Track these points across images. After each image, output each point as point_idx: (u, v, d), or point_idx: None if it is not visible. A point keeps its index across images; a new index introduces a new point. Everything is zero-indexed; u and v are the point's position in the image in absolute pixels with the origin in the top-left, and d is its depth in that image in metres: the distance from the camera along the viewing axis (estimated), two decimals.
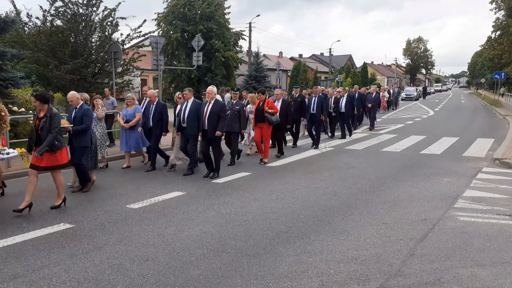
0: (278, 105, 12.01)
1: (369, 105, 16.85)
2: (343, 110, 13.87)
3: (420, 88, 58.40)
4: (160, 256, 4.35)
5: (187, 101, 8.38)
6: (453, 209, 6.03)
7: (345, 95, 14.05)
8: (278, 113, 10.00)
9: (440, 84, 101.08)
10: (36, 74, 15.80)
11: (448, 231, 5.12)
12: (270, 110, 9.49)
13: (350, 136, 14.18)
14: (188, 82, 30.07)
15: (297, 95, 12.77)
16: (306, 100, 12.89)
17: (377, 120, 18.26)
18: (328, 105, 13.31)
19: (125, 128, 9.04)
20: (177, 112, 8.73)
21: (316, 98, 11.84)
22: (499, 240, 4.83)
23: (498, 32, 35.48)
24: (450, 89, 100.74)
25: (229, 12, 31.95)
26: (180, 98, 9.08)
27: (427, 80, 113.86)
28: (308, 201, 6.46)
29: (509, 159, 9.47)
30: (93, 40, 15.73)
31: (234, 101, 9.73)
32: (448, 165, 9.34)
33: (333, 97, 14.17)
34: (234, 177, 8.17)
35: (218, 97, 9.25)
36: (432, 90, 73.25)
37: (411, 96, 44.42)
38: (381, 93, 25.79)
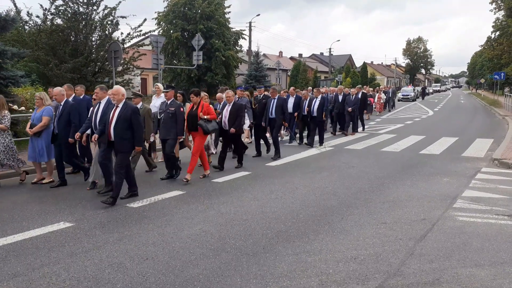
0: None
1: (349, 109, 14.60)
2: (315, 113, 12.04)
3: (418, 88, 57.53)
4: (160, 255, 4.36)
5: (100, 102, 6.94)
6: (452, 209, 6.04)
7: (319, 96, 12.16)
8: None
9: (439, 84, 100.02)
10: (36, 72, 15.79)
11: (447, 231, 5.13)
12: (205, 117, 7.71)
13: (321, 144, 12.20)
14: (188, 81, 30.13)
15: (261, 96, 11.48)
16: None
17: (364, 125, 16.41)
18: (302, 108, 12.26)
19: (30, 135, 7.53)
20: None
21: (275, 101, 10.48)
22: (498, 240, 4.85)
23: (497, 33, 35.55)
24: (450, 89, 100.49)
25: (229, 12, 32.01)
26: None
27: (426, 80, 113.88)
28: (308, 201, 6.47)
29: (508, 159, 9.49)
30: (93, 39, 15.75)
31: (168, 101, 7.81)
32: (447, 165, 9.36)
33: (308, 99, 12.39)
34: (234, 176, 8.18)
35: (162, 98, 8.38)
36: (431, 91, 70.53)
37: (408, 96, 42.44)
38: (376, 94, 24.77)
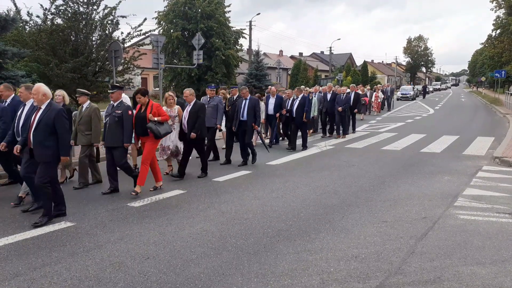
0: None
1: (339, 109, 13.46)
2: (294, 115, 11.21)
3: (418, 86, 56.80)
4: (161, 254, 4.37)
5: (25, 104, 6.18)
6: (453, 208, 6.04)
7: (299, 96, 11.25)
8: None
9: (439, 82, 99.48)
10: (36, 72, 15.77)
11: (448, 229, 5.13)
12: (155, 118, 6.86)
13: (304, 148, 11.29)
14: (189, 81, 30.12)
15: (235, 96, 10.27)
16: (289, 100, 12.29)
17: (354, 127, 15.19)
18: (285, 108, 11.48)
19: None
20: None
21: (247, 102, 9.21)
22: (499, 238, 4.85)
23: (498, 31, 35.46)
24: (450, 87, 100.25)
25: (230, 11, 31.99)
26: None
27: (427, 78, 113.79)
28: (308, 200, 6.47)
29: (509, 158, 9.48)
30: (93, 38, 15.73)
31: (115, 103, 6.81)
32: (448, 164, 9.35)
33: (291, 99, 11.50)
34: (235, 175, 8.18)
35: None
36: (431, 89, 69.11)
37: (407, 95, 41.04)
38: (374, 93, 23.56)
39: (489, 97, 42.70)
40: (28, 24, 15.19)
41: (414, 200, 6.46)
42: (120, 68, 15.57)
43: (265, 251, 4.47)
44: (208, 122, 8.85)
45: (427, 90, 55.10)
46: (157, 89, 25.11)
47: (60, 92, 7.28)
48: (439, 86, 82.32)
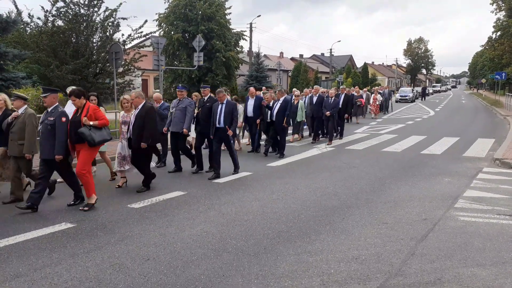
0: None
1: (327, 113, 12.39)
2: (274, 118, 10.46)
3: (418, 88, 55.98)
4: (161, 256, 4.37)
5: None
6: (454, 209, 6.04)
7: (281, 99, 10.60)
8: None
9: (439, 84, 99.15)
10: (37, 74, 15.84)
11: (449, 231, 5.13)
12: (90, 123, 5.97)
13: (281, 157, 10.31)
14: (189, 82, 30.13)
15: (206, 98, 8.90)
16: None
17: (342, 133, 13.97)
18: (265, 112, 10.78)
19: None
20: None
21: (224, 106, 8.21)
22: (499, 240, 4.84)
23: (498, 33, 35.51)
24: (451, 89, 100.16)
25: (230, 13, 32.04)
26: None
27: (427, 80, 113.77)
28: (309, 201, 6.47)
29: (510, 159, 9.47)
30: (94, 40, 15.79)
31: (50, 108, 6.01)
32: (448, 165, 9.35)
33: (271, 103, 10.66)
34: (235, 177, 8.18)
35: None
36: (431, 91, 67.71)
37: (406, 97, 39.88)
38: (372, 95, 22.87)
39: (489, 99, 42.72)
40: (29, 26, 15.27)
41: (415, 201, 6.46)
42: (120, 69, 15.61)
43: (266, 252, 4.47)
44: (175, 126, 8.52)
45: (427, 92, 54.36)
46: (158, 90, 25.15)
47: (1, 96, 6.64)
48: (439, 88, 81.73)
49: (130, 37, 16.40)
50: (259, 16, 51.60)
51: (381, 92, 25.41)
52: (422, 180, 7.94)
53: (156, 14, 31.77)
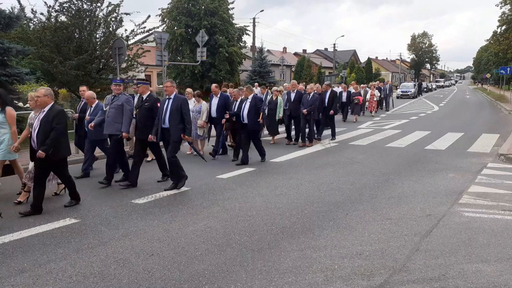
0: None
1: (304, 111, 11.10)
2: (245, 120, 9.10)
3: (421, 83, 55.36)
4: (165, 251, 4.38)
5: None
6: (458, 205, 6.01)
7: (250, 96, 9.12)
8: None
9: (443, 79, 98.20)
10: (41, 70, 15.86)
11: (453, 227, 5.11)
12: None
13: (263, 159, 9.34)
14: (192, 78, 30.14)
15: (145, 96, 7.30)
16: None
17: (321, 132, 12.72)
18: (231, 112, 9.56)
19: None
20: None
21: (171, 102, 6.86)
22: (504, 235, 4.82)
23: (504, 27, 35.26)
24: (455, 84, 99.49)
25: (233, 8, 31.97)
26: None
27: (432, 75, 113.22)
28: (312, 197, 6.46)
29: None
30: (97, 35, 15.77)
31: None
32: (453, 161, 9.31)
33: (238, 101, 9.56)
34: (238, 172, 8.18)
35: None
36: (434, 86, 65.55)
37: (408, 93, 38.02)
38: (369, 91, 20.99)
39: (494, 94, 42.45)
40: (32, 21, 15.23)
41: (419, 197, 6.43)
42: (123, 65, 15.59)
43: (269, 248, 4.47)
44: (109, 127, 7.20)
45: (424, 88, 52.06)
46: (161, 86, 25.16)
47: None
48: (442, 83, 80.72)
49: (133, 33, 16.37)
50: (262, 11, 51.63)
51: (379, 88, 23.49)
52: (426, 175, 7.91)
53: (159, 9, 31.76)
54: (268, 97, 12.27)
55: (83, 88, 8.64)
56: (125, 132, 7.17)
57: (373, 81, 29.71)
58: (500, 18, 35.87)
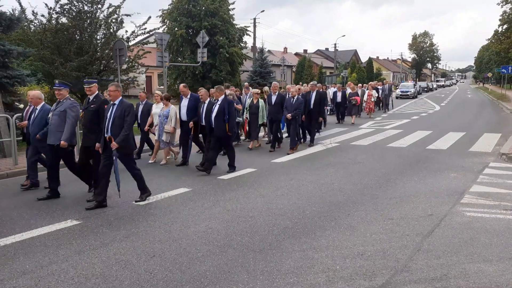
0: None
1: (288, 116, 10.30)
2: (213, 125, 8.24)
3: (421, 83, 53.19)
4: (166, 252, 4.38)
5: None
6: (460, 205, 6.00)
7: (220, 98, 8.25)
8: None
9: (444, 79, 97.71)
10: (42, 71, 15.87)
11: (455, 227, 5.10)
12: None
13: (231, 170, 8.29)
14: (193, 79, 30.15)
15: (91, 97, 6.59)
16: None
17: (313, 137, 11.73)
18: (200, 115, 8.62)
19: None
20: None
21: (115, 108, 6.05)
22: (506, 235, 4.81)
23: (505, 26, 35.19)
24: (456, 83, 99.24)
25: (234, 8, 31.98)
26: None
27: (433, 74, 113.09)
28: (314, 197, 6.45)
29: None
30: (98, 37, 15.77)
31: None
32: (454, 160, 9.29)
33: (206, 103, 8.55)
34: (240, 173, 8.18)
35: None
36: (435, 86, 64.27)
37: (408, 93, 37.30)
38: (366, 92, 20.21)
39: (495, 93, 42.39)
40: (33, 23, 15.25)
41: (420, 197, 6.42)
42: (124, 66, 15.60)
43: (271, 248, 4.47)
44: (52, 137, 6.37)
45: (430, 87, 51.46)
46: (162, 87, 25.17)
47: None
48: (443, 83, 79.82)
49: (134, 34, 16.37)
50: (262, 11, 51.42)
51: (377, 88, 22.65)
52: (428, 175, 7.90)
53: (159, 10, 31.82)
54: (249, 100, 11.42)
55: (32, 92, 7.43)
56: (63, 141, 6.28)
57: (374, 81, 29.11)
58: (501, 17, 35.79)
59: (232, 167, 8.35)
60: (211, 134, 8.34)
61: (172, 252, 4.38)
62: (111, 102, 6.16)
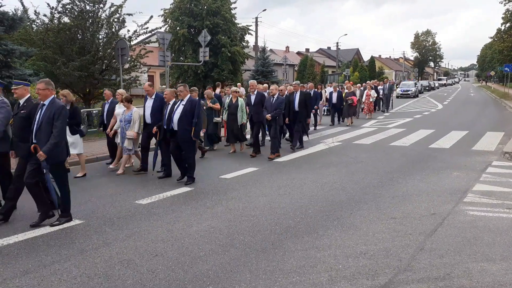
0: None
1: (268, 116, 9.59)
2: (176, 127, 7.36)
3: (423, 82, 52.51)
4: (169, 252, 4.38)
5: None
6: (463, 204, 5.98)
7: (186, 98, 7.38)
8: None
9: (446, 78, 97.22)
10: (44, 71, 15.88)
11: (458, 226, 5.08)
12: None
13: (189, 182, 7.29)
14: (195, 78, 30.14)
15: (22, 101, 5.71)
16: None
17: (302, 141, 11.04)
18: (164, 117, 7.68)
19: None
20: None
21: (43, 111, 5.22)
22: (509, 234, 4.79)
23: (508, 24, 35.03)
24: (458, 82, 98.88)
25: (235, 7, 31.92)
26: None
27: (435, 73, 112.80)
28: (316, 196, 6.45)
29: None
30: (100, 36, 15.78)
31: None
32: (457, 159, 9.26)
33: (170, 103, 7.62)
34: (242, 172, 8.17)
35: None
36: (437, 85, 63.14)
37: (409, 92, 36.20)
38: (365, 92, 19.07)
39: (498, 91, 42.25)
40: (35, 23, 15.28)
41: (423, 196, 6.41)
42: (126, 66, 15.62)
43: (273, 248, 4.46)
44: None
45: (432, 86, 50.78)
46: (164, 86, 25.18)
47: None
48: (444, 82, 77.98)
49: (136, 33, 16.38)
50: (264, 10, 51.36)
51: (376, 86, 21.52)
52: (431, 174, 7.88)
53: (161, 9, 31.75)
54: (227, 99, 10.72)
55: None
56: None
57: (372, 80, 27.61)
58: (504, 16, 35.63)
59: (191, 179, 7.30)
60: (172, 138, 7.48)
61: (174, 252, 4.38)
62: (41, 103, 5.28)
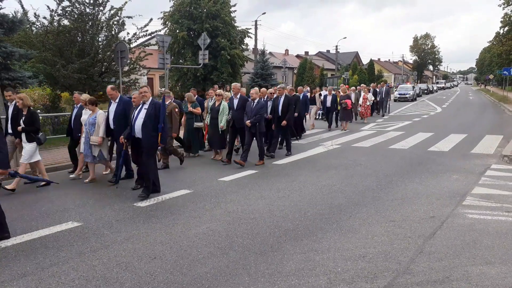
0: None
1: (247, 122, 9.06)
2: (138, 134, 6.77)
3: (422, 85, 52.56)
4: (167, 254, 4.37)
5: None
6: (462, 207, 5.98)
7: (148, 101, 6.72)
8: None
9: (444, 81, 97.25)
10: (43, 73, 15.92)
11: (457, 229, 5.08)
12: None
13: (143, 196, 6.54)
14: (194, 81, 30.16)
15: None
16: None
17: (289, 145, 10.67)
18: (129, 121, 7.01)
19: None
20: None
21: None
22: (508, 237, 4.78)
23: (506, 28, 35.16)
24: (457, 85, 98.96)
25: (235, 10, 31.99)
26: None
27: (434, 76, 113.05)
28: (315, 199, 6.44)
29: None
30: (99, 39, 15.81)
31: None
32: (456, 162, 9.26)
33: (138, 108, 6.86)
34: (241, 175, 8.17)
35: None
36: (435, 88, 63.53)
37: (406, 95, 35.79)
38: (362, 94, 18.74)
39: (497, 95, 42.32)
40: (35, 25, 15.31)
41: (422, 199, 6.40)
42: (126, 68, 15.64)
43: (272, 251, 4.45)
44: None
45: (431, 89, 50.41)
46: (163, 89, 25.18)
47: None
48: (443, 85, 77.60)
49: (136, 36, 16.41)
50: (263, 13, 51.41)
51: (375, 90, 21.56)
52: (430, 177, 7.88)
53: (161, 12, 31.80)
54: (210, 103, 10.26)
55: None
56: None
57: (364, 84, 27.61)
58: (502, 19, 35.77)
59: (147, 190, 6.62)
60: (136, 146, 6.91)
61: (173, 254, 4.37)
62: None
